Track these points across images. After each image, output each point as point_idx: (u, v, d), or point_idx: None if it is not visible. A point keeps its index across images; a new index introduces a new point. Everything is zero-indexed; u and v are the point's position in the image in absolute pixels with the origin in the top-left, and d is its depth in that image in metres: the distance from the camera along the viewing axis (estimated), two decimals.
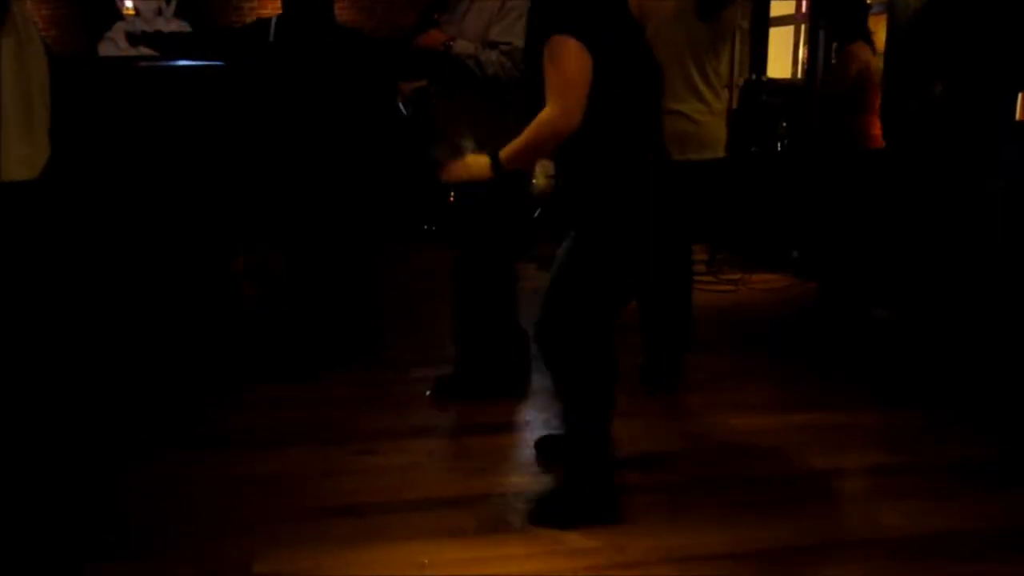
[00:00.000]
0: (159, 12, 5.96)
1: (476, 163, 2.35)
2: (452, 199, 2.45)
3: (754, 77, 6.19)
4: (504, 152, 2.29)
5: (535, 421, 3.09)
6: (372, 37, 6.37)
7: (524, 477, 2.67)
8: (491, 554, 2.25)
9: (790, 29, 6.44)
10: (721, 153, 3.24)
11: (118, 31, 6.91)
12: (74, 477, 2.62)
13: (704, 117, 3.14)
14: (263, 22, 4.02)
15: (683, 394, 3.36)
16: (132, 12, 6.10)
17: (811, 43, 5.44)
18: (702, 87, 3.13)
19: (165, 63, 4.23)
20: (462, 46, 2.96)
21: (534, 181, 7.62)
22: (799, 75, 6.16)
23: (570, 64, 2.13)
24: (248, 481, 2.63)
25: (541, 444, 2.82)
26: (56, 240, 3.03)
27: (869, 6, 4.51)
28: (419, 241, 6.46)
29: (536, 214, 7.01)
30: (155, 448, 2.84)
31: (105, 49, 7.02)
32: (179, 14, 7.08)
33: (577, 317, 2.32)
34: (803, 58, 6.03)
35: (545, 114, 2.18)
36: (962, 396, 3.33)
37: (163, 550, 2.27)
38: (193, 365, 3.36)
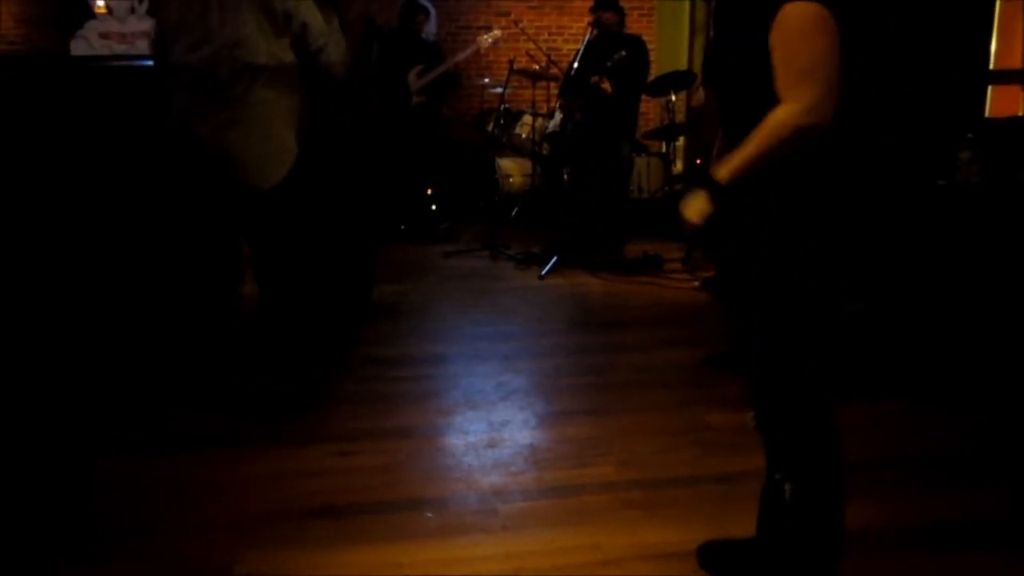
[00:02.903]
0: (132, 11, 5.89)
1: (696, 201, 1.84)
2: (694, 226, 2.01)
3: None
4: (726, 170, 1.79)
5: (514, 421, 3.11)
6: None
7: (503, 478, 2.69)
8: (470, 554, 2.26)
9: None
10: None
11: (90, 29, 6.83)
12: (50, 477, 2.61)
13: None
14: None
15: (658, 391, 3.39)
16: (104, 10, 6.02)
17: None
18: None
19: (138, 62, 4.20)
20: None
21: (510, 180, 7.61)
22: None
23: (817, 39, 1.65)
24: (227, 481, 2.63)
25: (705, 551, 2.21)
26: (30, 238, 3.02)
27: None
28: (396, 241, 6.49)
29: (513, 213, 7.02)
30: (132, 447, 2.82)
31: (77, 48, 6.94)
32: (152, 13, 7.01)
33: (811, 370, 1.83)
34: None
35: (783, 112, 1.68)
36: (936, 390, 3.38)
37: (141, 550, 2.27)
38: (169, 364, 3.35)
